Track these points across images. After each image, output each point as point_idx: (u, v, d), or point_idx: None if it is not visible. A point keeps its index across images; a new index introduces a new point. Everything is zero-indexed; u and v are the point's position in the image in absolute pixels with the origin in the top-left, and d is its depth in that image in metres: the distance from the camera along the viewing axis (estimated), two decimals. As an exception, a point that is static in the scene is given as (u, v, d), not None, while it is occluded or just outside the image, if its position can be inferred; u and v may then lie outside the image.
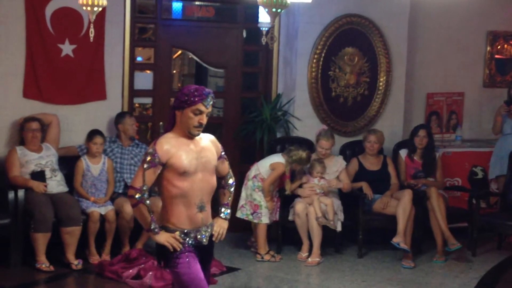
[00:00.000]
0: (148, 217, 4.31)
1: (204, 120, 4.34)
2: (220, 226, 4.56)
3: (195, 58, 8.72)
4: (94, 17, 5.19)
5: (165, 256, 4.35)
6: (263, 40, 5.79)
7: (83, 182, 7.31)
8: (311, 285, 6.93)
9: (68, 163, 7.37)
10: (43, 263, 6.80)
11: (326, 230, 7.53)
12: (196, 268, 4.32)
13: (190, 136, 4.38)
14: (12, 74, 7.38)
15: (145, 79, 8.27)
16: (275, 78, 8.52)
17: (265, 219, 7.44)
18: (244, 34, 8.55)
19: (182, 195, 4.32)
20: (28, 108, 7.38)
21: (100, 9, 5.21)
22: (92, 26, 5.22)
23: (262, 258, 7.42)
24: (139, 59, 9.00)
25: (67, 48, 7.53)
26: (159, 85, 8.22)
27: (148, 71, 8.43)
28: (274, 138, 8.19)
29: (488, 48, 9.47)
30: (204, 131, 4.46)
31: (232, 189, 4.70)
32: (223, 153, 4.59)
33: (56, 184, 7.17)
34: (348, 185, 7.74)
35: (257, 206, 7.43)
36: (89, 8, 5.14)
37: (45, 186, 7.05)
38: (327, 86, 8.40)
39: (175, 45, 8.43)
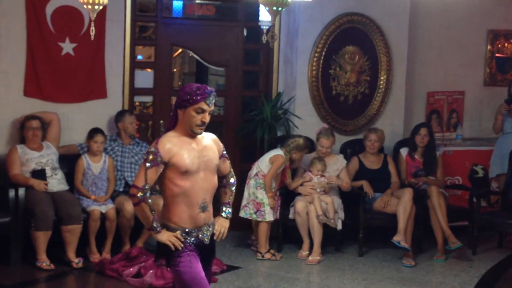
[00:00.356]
0: (150, 216, 4.30)
1: (207, 118, 4.34)
2: (221, 225, 4.55)
3: (195, 56, 8.72)
4: (94, 15, 5.18)
5: (166, 255, 4.35)
6: (264, 38, 5.79)
7: (84, 180, 7.31)
8: (312, 284, 6.94)
9: (68, 161, 7.37)
10: (44, 262, 6.80)
11: (327, 229, 7.53)
12: (197, 267, 4.31)
13: (192, 135, 4.37)
14: (13, 73, 7.38)
15: (145, 78, 8.27)
16: (275, 76, 8.52)
17: (269, 217, 7.44)
18: (245, 33, 8.56)
19: (184, 194, 4.31)
20: (29, 107, 7.38)
21: (101, 7, 5.20)
22: (92, 24, 5.21)
23: (263, 256, 7.43)
24: (139, 57, 9.01)
25: (67, 47, 7.54)
26: (159, 84, 8.22)
27: (149, 70, 8.43)
28: (275, 137, 8.19)
29: (489, 47, 9.47)
30: (204, 130, 4.46)
31: (233, 188, 4.69)
32: (224, 152, 4.59)
33: (56, 182, 7.18)
34: (348, 184, 7.74)
35: (260, 204, 7.43)
36: (89, 7, 5.14)
37: (46, 184, 7.05)
38: (328, 84, 8.40)
39: (175, 43, 8.44)
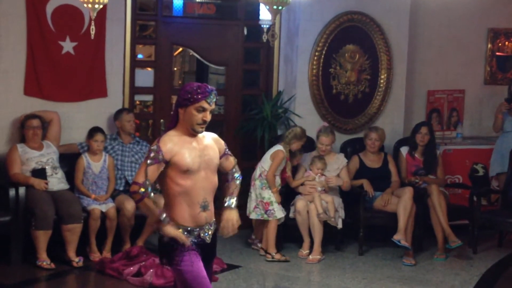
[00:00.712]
0: (155, 209, 4.29)
1: (208, 117, 4.34)
2: (227, 219, 4.49)
3: (196, 55, 8.73)
4: (95, 14, 5.18)
5: (167, 254, 4.35)
6: (264, 37, 5.79)
7: (84, 179, 7.31)
8: (312, 283, 6.94)
9: (69, 160, 7.37)
10: (44, 261, 6.80)
11: (327, 228, 7.53)
12: (199, 266, 4.31)
13: (193, 134, 4.37)
14: (13, 72, 7.38)
15: (146, 77, 8.27)
16: (276, 75, 8.52)
17: (279, 214, 7.44)
18: (245, 31, 8.55)
19: (185, 193, 4.31)
20: (29, 106, 7.38)
21: (101, 6, 5.20)
22: (93, 23, 5.21)
23: (273, 258, 7.39)
24: (139, 56, 9.00)
25: (68, 46, 7.53)
26: (160, 83, 8.22)
27: (149, 69, 8.43)
28: (275, 136, 8.18)
29: (489, 46, 9.46)
30: (205, 129, 4.46)
31: (238, 182, 4.63)
32: (227, 149, 4.58)
33: (57, 181, 7.17)
34: (348, 184, 7.74)
35: (268, 204, 7.43)
36: (90, 6, 5.14)
37: (46, 183, 7.05)
38: (328, 83, 8.41)
39: (176, 42, 8.44)
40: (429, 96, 9.16)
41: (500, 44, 9.51)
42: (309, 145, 7.92)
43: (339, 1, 8.35)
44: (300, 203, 7.51)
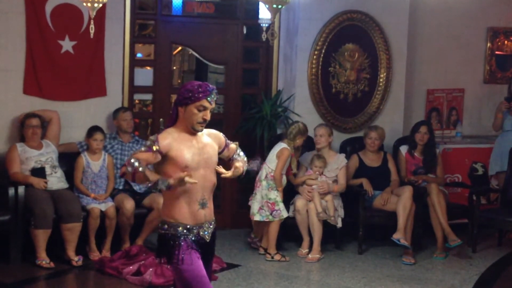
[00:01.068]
0: (150, 175, 4.23)
1: (208, 116, 4.35)
2: (236, 166, 4.54)
3: (195, 54, 8.72)
4: (94, 13, 5.17)
5: (167, 253, 4.35)
6: (263, 36, 5.78)
7: (83, 178, 7.31)
8: (311, 281, 6.94)
9: (68, 159, 7.37)
10: (44, 260, 6.80)
11: (327, 227, 7.53)
12: (198, 264, 4.31)
13: (193, 132, 4.38)
14: (12, 71, 7.38)
15: (145, 76, 8.27)
16: (275, 74, 8.51)
17: (284, 213, 7.44)
18: (244, 30, 8.55)
19: (184, 191, 4.30)
20: (28, 105, 7.38)
21: (101, 5, 5.19)
22: (92, 22, 5.19)
23: (272, 258, 7.39)
24: (139, 55, 9.00)
25: (67, 45, 7.53)
26: (159, 82, 8.22)
27: (148, 68, 8.43)
28: (274, 135, 8.18)
29: (489, 44, 9.46)
30: (206, 129, 4.48)
31: (245, 159, 4.68)
32: (227, 140, 4.61)
33: (56, 180, 7.17)
34: (341, 187, 7.66)
35: (274, 204, 7.41)
36: (89, 4, 5.12)
37: (45, 182, 7.05)
38: (327, 82, 8.40)
39: (175, 41, 8.44)
40: (429, 95, 9.16)
41: (499, 43, 9.51)
42: (309, 144, 7.91)
43: (339, 0, 8.35)
44: (299, 202, 7.51)
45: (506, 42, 9.54)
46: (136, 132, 7.90)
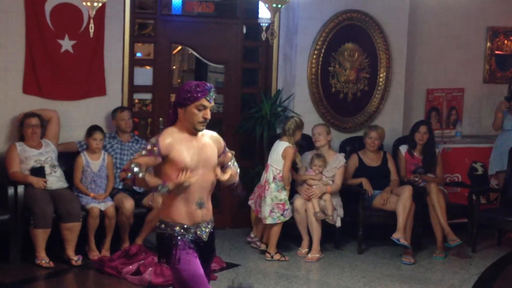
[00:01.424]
0: (150, 181, 4.26)
1: (209, 115, 4.36)
2: (228, 172, 4.54)
3: (195, 54, 8.72)
4: (94, 12, 5.17)
5: (165, 252, 4.35)
6: (263, 35, 5.77)
7: (83, 178, 7.31)
8: (311, 281, 6.93)
9: (67, 159, 7.36)
10: (43, 259, 6.80)
11: (326, 226, 7.53)
12: (196, 264, 4.31)
13: (194, 132, 4.38)
14: (12, 70, 7.37)
15: (144, 75, 8.26)
16: (275, 74, 8.51)
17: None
18: (244, 30, 8.55)
19: (182, 191, 4.31)
20: (28, 104, 7.37)
21: (100, 4, 5.19)
22: (92, 21, 5.20)
23: (272, 257, 7.39)
24: (138, 54, 9.00)
25: (66, 44, 7.53)
26: (158, 81, 8.21)
27: (148, 67, 8.43)
28: (274, 134, 8.17)
29: (488, 44, 9.46)
30: (207, 130, 4.48)
31: (238, 170, 4.68)
32: (226, 148, 4.61)
33: (55, 180, 7.17)
34: (336, 187, 7.63)
35: (284, 204, 7.40)
36: (89, 4, 5.12)
37: (45, 182, 7.04)
38: (327, 82, 8.40)
39: (174, 41, 8.44)
40: (428, 95, 9.15)
41: (499, 43, 9.51)
42: (309, 143, 7.91)
43: (338, 0, 8.34)
44: (298, 201, 7.51)
45: (506, 41, 9.53)
46: (135, 132, 7.89)
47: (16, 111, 7.33)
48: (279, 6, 5.06)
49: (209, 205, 4.44)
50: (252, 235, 7.76)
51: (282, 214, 7.39)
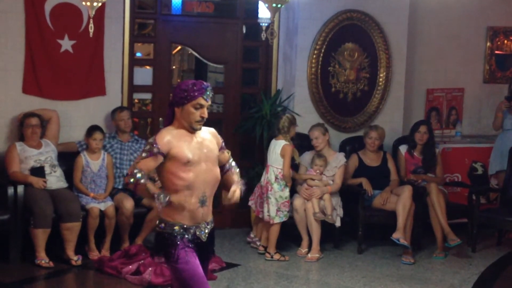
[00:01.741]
0: (151, 189, 4.27)
1: (206, 113, 4.36)
2: (233, 191, 4.50)
3: (194, 53, 8.71)
4: (93, 12, 5.17)
5: (164, 251, 4.35)
6: (263, 35, 5.77)
7: (83, 178, 7.31)
8: (311, 281, 6.93)
9: (67, 159, 7.36)
10: (43, 259, 6.79)
11: (325, 226, 7.53)
12: (195, 263, 4.31)
13: (191, 131, 4.38)
14: (12, 70, 7.37)
15: (144, 75, 8.26)
16: (274, 73, 8.51)
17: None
18: (244, 30, 8.54)
19: (187, 187, 4.30)
20: (28, 104, 7.37)
21: (100, 4, 5.18)
22: (91, 21, 5.19)
23: (272, 257, 7.39)
24: (138, 54, 8.99)
25: (66, 44, 7.53)
26: (158, 81, 8.21)
27: (148, 67, 8.43)
28: (274, 134, 8.16)
29: (488, 44, 9.46)
30: (204, 127, 4.47)
31: (237, 170, 4.68)
32: (223, 144, 4.61)
33: (55, 180, 7.17)
34: (335, 187, 7.64)
35: (288, 202, 7.42)
36: (88, 4, 5.12)
37: (45, 182, 7.04)
38: (327, 81, 8.40)
39: (174, 40, 8.43)
40: (428, 95, 9.15)
41: (499, 43, 9.51)
42: (309, 144, 7.90)
43: (338, 0, 8.34)
44: (297, 201, 7.50)
45: (506, 41, 9.53)
46: (135, 132, 7.89)
47: (16, 111, 7.33)
48: (279, 6, 5.06)
49: (210, 205, 4.44)
50: (252, 235, 7.76)
51: (288, 211, 7.40)
